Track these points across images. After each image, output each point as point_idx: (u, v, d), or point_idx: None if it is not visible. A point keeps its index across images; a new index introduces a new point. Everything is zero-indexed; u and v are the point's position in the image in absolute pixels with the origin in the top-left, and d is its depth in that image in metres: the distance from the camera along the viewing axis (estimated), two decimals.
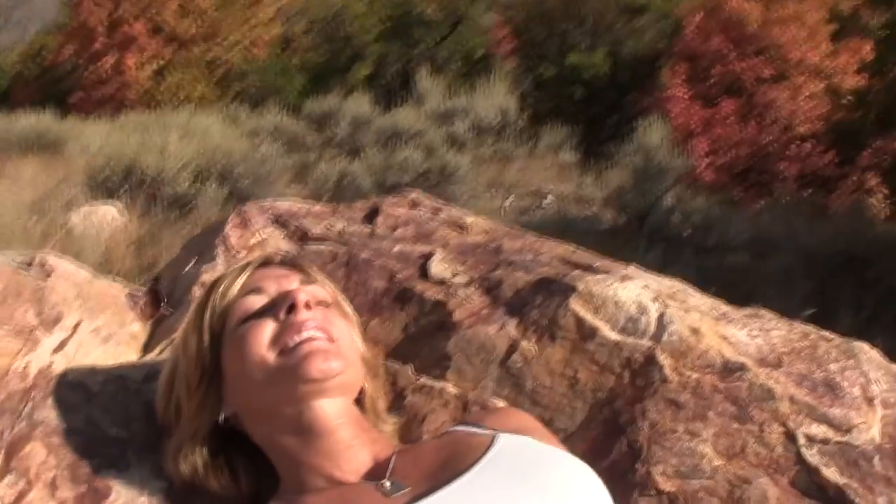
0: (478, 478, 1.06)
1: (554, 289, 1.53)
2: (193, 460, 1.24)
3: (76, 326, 1.50)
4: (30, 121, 12.46)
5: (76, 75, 25.46)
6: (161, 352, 1.55)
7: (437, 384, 1.46)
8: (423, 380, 1.47)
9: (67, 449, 1.29)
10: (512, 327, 1.50)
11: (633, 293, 1.50)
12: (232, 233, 1.90)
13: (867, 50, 15.04)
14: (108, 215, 7.73)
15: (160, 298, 1.71)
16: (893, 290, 8.14)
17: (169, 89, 23.30)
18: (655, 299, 1.49)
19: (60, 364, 1.41)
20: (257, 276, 1.31)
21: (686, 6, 20.06)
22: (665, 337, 1.42)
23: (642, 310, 1.47)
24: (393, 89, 20.02)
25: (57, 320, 1.48)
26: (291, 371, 1.17)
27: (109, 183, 7.87)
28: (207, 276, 1.71)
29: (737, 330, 1.49)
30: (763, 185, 14.25)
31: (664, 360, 1.39)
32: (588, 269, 1.59)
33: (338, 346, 1.21)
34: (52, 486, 1.24)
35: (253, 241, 1.85)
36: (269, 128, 13.60)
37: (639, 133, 12.50)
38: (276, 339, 1.20)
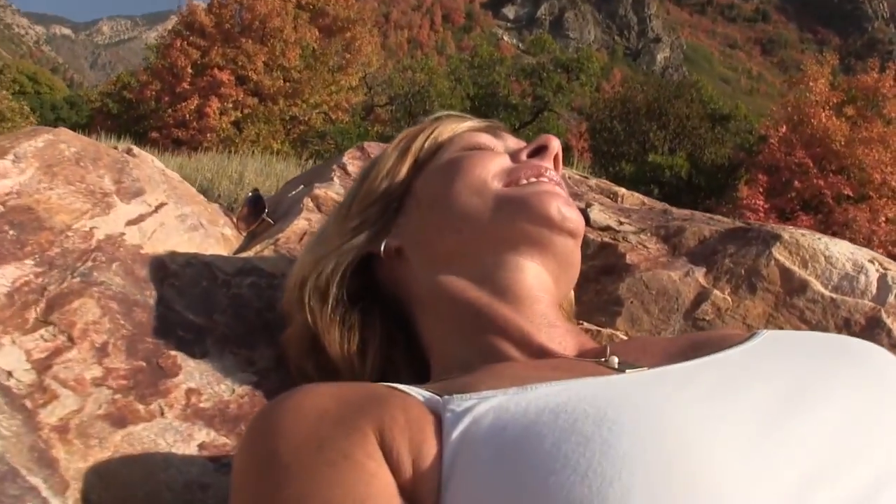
0: (755, 349, 0.72)
1: (752, 237, 1.23)
2: (324, 297, 0.90)
3: (160, 206, 1.20)
4: (112, 143, 12.53)
5: (157, 114, 25.97)
6: (260, 251, 1.25)
7: (605, 331, 1.15)
8: (585, 326, 1.16)
9: (128, 319, 0.96)
10: (700, 275, 1.19)
11: (847, 250, 1.20)
12: (350, 162, 1.64)
13: None
14: None
15: (261, 208, 1.41)
16: None
17: (247, 139, 23.59)
18: (872, 261, 1.18)
19: (135, 237, 1.11)
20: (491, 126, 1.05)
21: (770, 118, 19.89)
22: (891, 299, 1.15)
23: (859, 268, 1.17)
24: None
25: (138, 194, 1.19)
26: (521, 202, 0.86)
27: None
28: (321, 192, 1.44)
29: None
30: None
31: (891, 323, 1.13)
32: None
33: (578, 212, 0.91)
34: (101, 351, 0.91)
35: None
36: None
37: None
38: (508, 173, 0.90)
